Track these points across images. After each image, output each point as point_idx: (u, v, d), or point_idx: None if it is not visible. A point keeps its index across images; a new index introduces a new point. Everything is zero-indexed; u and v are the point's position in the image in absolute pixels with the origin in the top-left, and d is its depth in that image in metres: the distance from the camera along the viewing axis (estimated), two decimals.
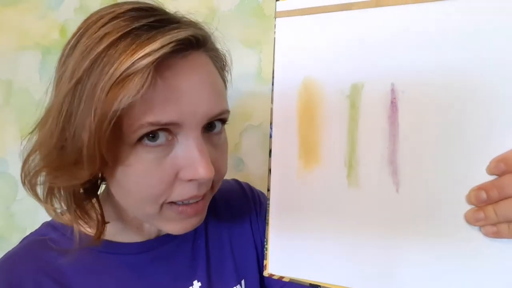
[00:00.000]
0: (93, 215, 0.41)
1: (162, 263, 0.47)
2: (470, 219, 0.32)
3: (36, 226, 0.47)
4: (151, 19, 0.35)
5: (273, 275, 0.39)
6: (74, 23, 0.41)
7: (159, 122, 0.35)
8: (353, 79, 0.35)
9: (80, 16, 0.39)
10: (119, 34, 0.34)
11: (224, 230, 0.54)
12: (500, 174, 0.31)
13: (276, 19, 0.38)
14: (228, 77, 0.45)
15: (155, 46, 0.33)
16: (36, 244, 0.44)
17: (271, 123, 0.39)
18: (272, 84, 0.38)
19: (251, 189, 0.60)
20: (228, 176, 0.46)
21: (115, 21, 0.35)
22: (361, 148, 0.35)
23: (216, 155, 0.40)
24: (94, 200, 0.42)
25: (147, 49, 0.33)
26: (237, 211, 0.56)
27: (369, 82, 0.35)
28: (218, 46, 0.43)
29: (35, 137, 0.39)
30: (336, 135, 0.36)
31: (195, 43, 0.37)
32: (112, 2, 0.40)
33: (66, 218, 0.41)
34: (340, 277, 0.36)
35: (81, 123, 0.34)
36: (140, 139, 0.35)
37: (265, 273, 0.40)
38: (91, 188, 0.42)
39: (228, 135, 0.44)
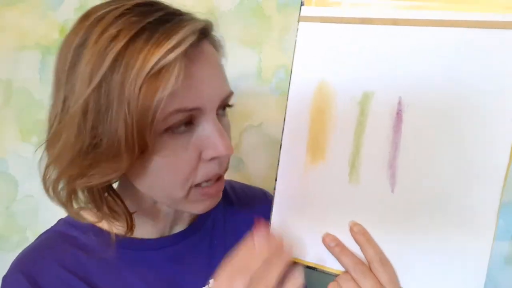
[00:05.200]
0: (118, 209, 0.43)
1: (179, 260, 0.48)
2: None
3: (36, 226, 0.47)
4: (161, 13, 0.37)
5: None
6: (74, 23, 0.41)
7: (186, 108, 0.37)
8: (365, 88, 0.38)
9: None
10: (135, 30, 0.35)
11: (244, 229, 0.54)
12: None
13: (300, 22, 0.41)
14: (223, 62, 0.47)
15: (180, 37, 0.35)
16: (56, 239, 0.44)
17: (284, 120, 0.42)
18: (289, 84, 0.41)
19: None
20: (227, 176, 0.47)
21: (123, 18, 0.36)
22: (365, 151, 0.39)
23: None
24: (106, 195, 0.42)
25: (173, 41, 0.35)
26: (258, 213, 0.57)
27: (379, 92, 0.38)
28: (216, 34, 0.45)
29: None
30: (344, 136, 0.39)
31: (204, 33, 0.40)
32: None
33: (90, 218, 0.42)
34: (333, 261, 0.40)
35: (115, 119, 0.35)
36: (167, 128, 0.37)
37: None
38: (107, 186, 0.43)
39: None
